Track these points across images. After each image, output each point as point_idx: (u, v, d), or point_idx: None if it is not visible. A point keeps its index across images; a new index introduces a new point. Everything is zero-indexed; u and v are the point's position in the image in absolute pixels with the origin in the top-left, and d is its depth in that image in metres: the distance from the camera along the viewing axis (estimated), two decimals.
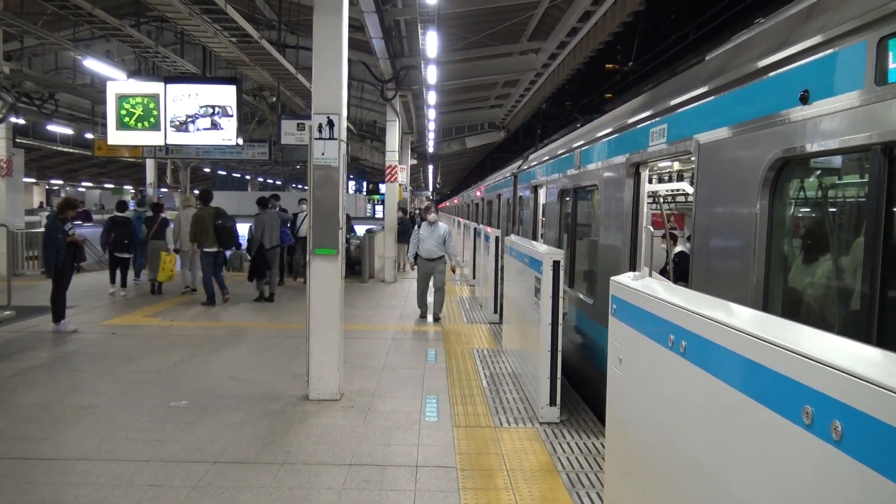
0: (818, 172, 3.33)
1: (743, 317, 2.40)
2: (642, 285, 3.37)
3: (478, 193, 23.04)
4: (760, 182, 3.27)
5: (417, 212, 25.35)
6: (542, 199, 10.72)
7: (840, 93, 2.67)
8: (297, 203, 15.23)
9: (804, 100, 2.91)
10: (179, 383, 6.95)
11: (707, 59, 5.26)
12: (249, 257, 13.05)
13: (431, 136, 24.51)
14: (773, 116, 3.20)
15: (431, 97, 16.52)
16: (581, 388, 6.92)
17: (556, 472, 4.79)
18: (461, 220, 27.34)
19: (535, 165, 10.79)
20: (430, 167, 37.60)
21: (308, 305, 6.50)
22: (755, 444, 2.14)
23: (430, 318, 10.98)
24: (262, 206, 12.86)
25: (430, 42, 10.90)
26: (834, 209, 3.44)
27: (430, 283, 11.10)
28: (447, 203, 62.82)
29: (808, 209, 3.45)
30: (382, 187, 20.11)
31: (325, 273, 6.51)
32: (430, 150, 27.35)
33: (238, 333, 9.61)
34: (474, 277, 15.80)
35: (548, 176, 9.33)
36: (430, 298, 11.19)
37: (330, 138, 6.46)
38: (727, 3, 10.49)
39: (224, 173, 46.14)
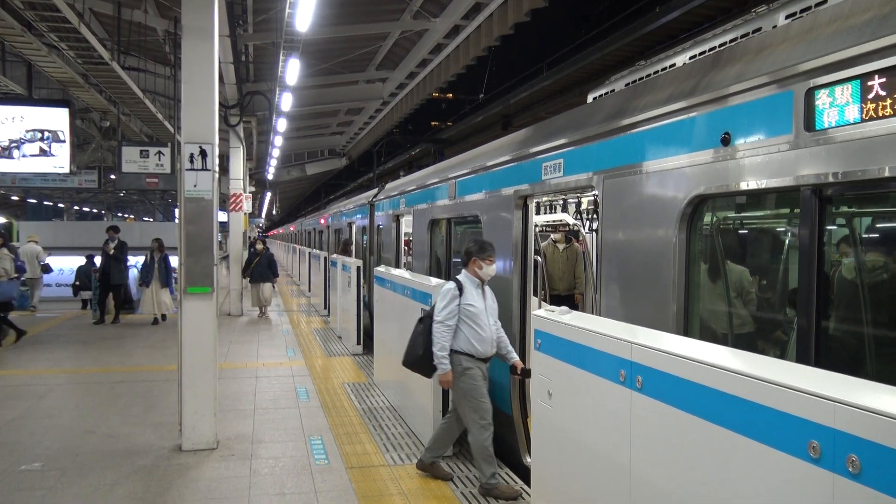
0: (738, 208, 3.57)
1: (714, 353, 2.50)
2: (573, 319, 3.43)
3: (322, 221, 22.66)
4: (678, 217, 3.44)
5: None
6: (404, 229, 10.71)
7: (769, 136, 2.88)
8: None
9: (725, 142, 3.11)
10: (25, 442, 6.14)
11: (593, 97, 5.53)
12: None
13: (274, 162, 23.83)
14: (688, 156, 3.40)
15: (281, 124, 16.09)
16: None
17: None
18: (300, 247, 26.77)
19: (396, 195, 10.77)
20: (268, 194, 36.56)
21: (180, 349, 6.02)
22: (738, 476, 2.22)
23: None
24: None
25: (292, 69, 10.61)
26: (751, 243, 3.72)
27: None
28: (280, 230, 61.33)
29: (727, 241, 3.69)
30: (222, 216, 19.24)
31: (198, 313, 6.06)
32: (270, 177, 26.59)
33: (80, 381, 8.70)
34: (326, 308, 15.48)
35: (415, 206, 9.34)
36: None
37: (203, 169, 6.07)
38: (581, 42, 11.14)
39: (35, 201, 42.02)
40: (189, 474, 5.40)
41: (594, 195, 4.59)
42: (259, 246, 15.95)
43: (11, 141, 10.72)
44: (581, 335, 3.21)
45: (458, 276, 5.10)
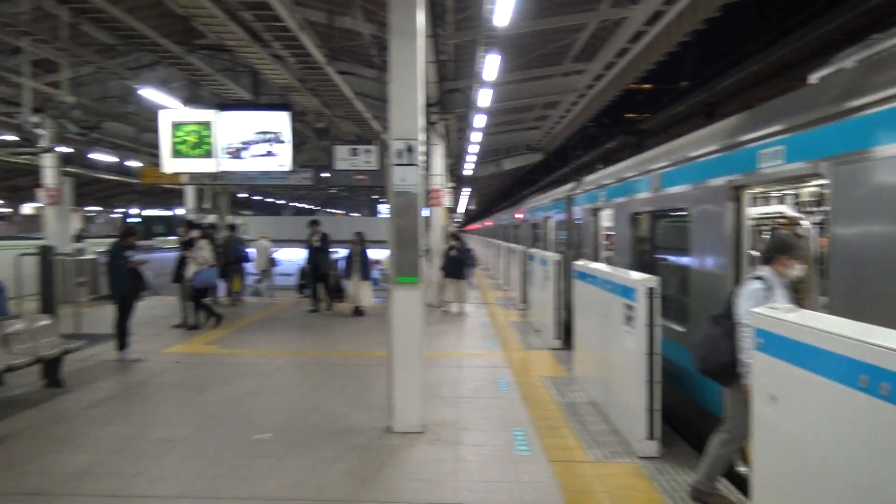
0: None
1: None
2: (800, 317, 3.17)
3: (518, 216, 22.85)
4: None
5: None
6: (604, 223, 10.52)
7: None
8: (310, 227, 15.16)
9: None
10: (257, 415, 6.82)
11: (817, 77, 5.07)
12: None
13: (471, 158, 24.42)
14: None
15: (478, 120, 16.45)
16: (671, 419, 6.67)
17: None
18: (496, 241, 27.21)
19: (594, 188, 10.61)
20: (465, 190, 37.56)
21: (390, 336, 6.36)
22: None
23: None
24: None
25: (490, 65, 10.82)
26: None
27: None
28: (477, 226, 62.75)
29: None
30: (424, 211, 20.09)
31: (406, 302, 6.37)
32: (467, 173, 27.27)
33: (300, 362, 9.50)
34: (523, 301, 15.60)
35: (615, 199, 9.14)
36: None
37: (409, 164, 6.35)
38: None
39: (259, 198, 46.56)
40: (399, 455, 5.70)
41: (821, 184, 4.21)
42: (453, 241, 15.68)
43: (242, 143, 11.93)
44: (811, 335, 2.96)
45: (760, 274, 4.42)
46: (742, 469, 5.07)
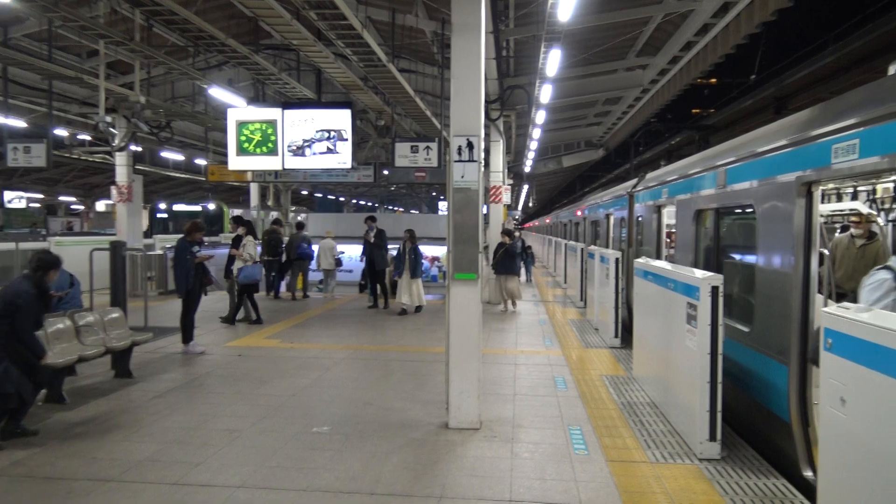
0: None
1: None
2: (874, 317, 3.04)
3: (578, 213, 22.61)
4: None
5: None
6: (666, 220, 10.31)
7: None
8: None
9: None
10: (315, 408, 6.93)
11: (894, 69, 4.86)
12: None
13: (531, 154, 24.28)
14: None
15: (540, 116, 16.34)
16: (731, 420, 6.50)
17: None
18: (555, 238, 26.98)
19: (657, 185, 10.39)
20: (525, 187, 37.37)
21: (447, 332, 6.37)
22: None
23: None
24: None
25: (552, 60, 10.73)
26: None
27: None
28: (535, 223, 62.38)
29: None
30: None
31: (464, 298, 6.36)
32: (527, 169, 27.13)
33: (358, 357, 9.61)
34: (582, 299, 15.43)
35: (678, 196, 8.94)
36: None
37: (469, 160, 6.35)
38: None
39: (321, 195, 47.32)
40: (455, 451, 5.70)
41: None
42: (505, 238, 14.90)
43: (305, 140, 12.13)
44: (886, 336, 2.83)
45: (890, 264, 4.09)
46: (808, 474, 4.90)
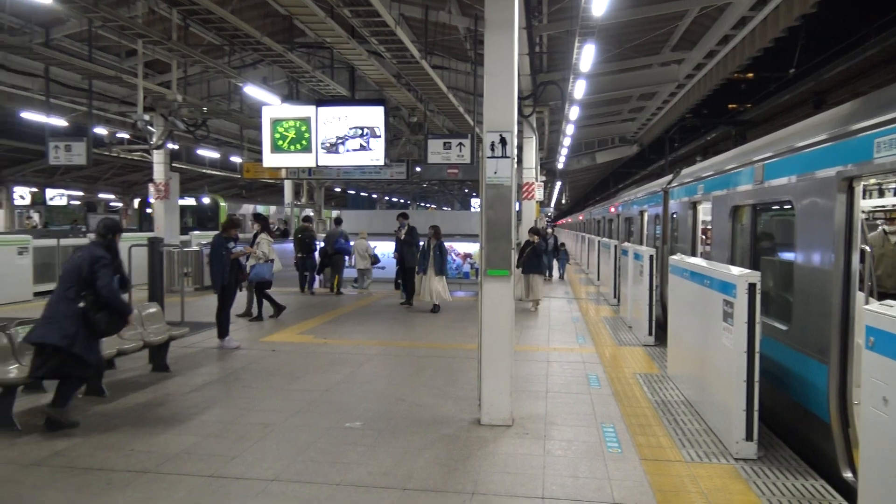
0: None
1: None
2: None
3: (612, 209, 22.42)
4: None
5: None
6: (702, 217, 10.17)
7: None
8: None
9: None
10: (348, 403, 6.97)
11: None
12: None
13: (564, 151, 24.13)
14: None
15: (573, 112, 16.23)
16: (767, 419, 6.39)
17: None
18: (588, 235, 26.78)
19: (692, 181, 10.26)
20: (558, 183, 37.17)
21: (480, 328, 6.36)
22: None
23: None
24: None
25: (586, 55, 10.65)
26: None
27: None
28: (568, 219, 61.99)
29: None
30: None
31: (497, 295, 6.35)
32: (560, 166, 26.98)
33: (390, 353, 9.65)
34: (615, 297, 15.30)
35: (714, 192, 8.81)
36: None
37: (503, 156, 6.32)
38: None
39: (353, 192, 47.62)
40: (487, 447, 5.69)
41: None
42: (534, 237, 14.36)
43: (338, 137, 12.21)
44: None
45: None
46: (848, 476, 4.80)
